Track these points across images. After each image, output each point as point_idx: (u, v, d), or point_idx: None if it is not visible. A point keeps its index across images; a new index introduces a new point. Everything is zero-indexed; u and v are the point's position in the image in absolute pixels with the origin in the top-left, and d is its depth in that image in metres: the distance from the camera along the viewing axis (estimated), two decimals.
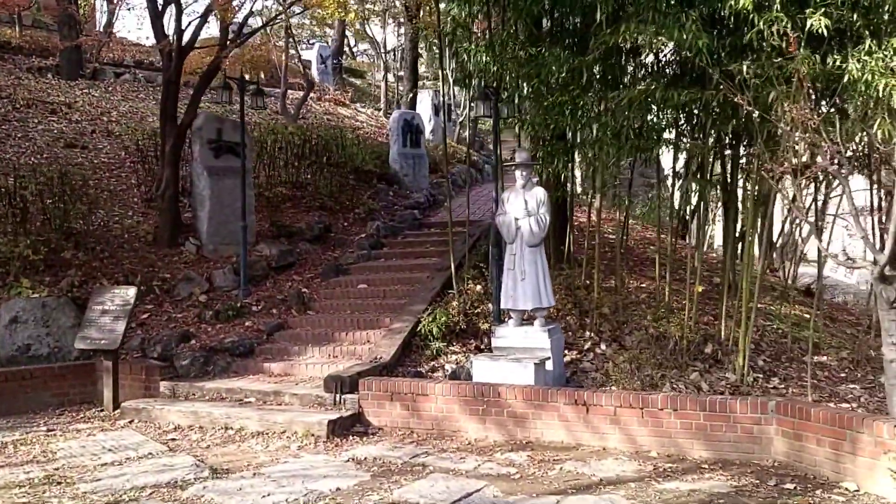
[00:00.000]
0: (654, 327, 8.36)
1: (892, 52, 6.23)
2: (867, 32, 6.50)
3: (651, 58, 8.17)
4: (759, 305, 8.63)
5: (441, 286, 9.82)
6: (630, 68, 8.14)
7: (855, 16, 6.45)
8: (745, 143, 8.08)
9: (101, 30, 22.82)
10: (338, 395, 7.40)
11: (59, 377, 8.29)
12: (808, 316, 10.48)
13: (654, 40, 6.86)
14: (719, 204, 10.48)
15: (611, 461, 5.99)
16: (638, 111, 7.36)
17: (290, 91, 19.50)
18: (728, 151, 8.50)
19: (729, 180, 8.65)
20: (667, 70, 7.73)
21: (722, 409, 5.97)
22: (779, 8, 6.44)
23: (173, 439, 6.97)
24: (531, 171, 8.02)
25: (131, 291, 8.08)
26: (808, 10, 6.44)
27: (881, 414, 6.53)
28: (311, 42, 30.88)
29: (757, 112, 6.05)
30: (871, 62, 6.21)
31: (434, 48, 22.55)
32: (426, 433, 6.96)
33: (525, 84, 8.40)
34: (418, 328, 8.76)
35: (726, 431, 5.95)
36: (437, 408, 6.99)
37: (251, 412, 7.26)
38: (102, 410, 8.02)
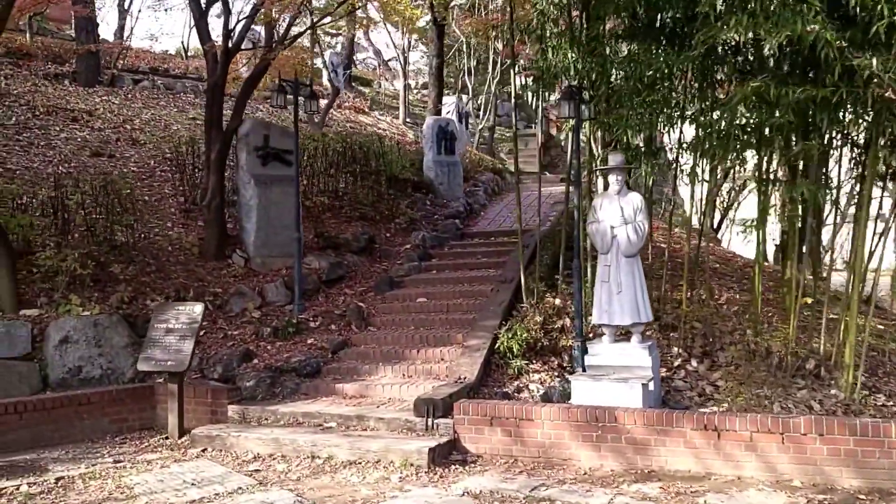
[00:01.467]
0: (756, 342, 7.86)
1: None
2: None
3: (745, 54, 7.70)
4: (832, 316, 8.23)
5: (510, 300, 9.30)
6: (730, 65, 7.62)
7: None
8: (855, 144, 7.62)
9: (115, 36, 22.28)
10: (430, 420, 6.85)
11: (117, 401, 7.70)
12: (881, 326, 10.06)
13: (773, 34, 6.37)
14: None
15: (754, 493, 5.47)
16: (751, 110, 6.88)
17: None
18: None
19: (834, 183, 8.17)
20: (772, 66, 7.25)
21: (875, 433, 5.47)
22: None
23: (257, 470, 6.40)
24: (626, 175, 7.54)
25: (198, 308, 7.51)
26: None
27: None
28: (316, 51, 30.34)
29: None
30: None
31: (461, 53, 22.13)
32: (532, 462, 6.43)
33: (609, 83, 7.92)
34: (496, 345, 8.24)
35: (880, 458, 5.45)
36: (545, 434, 6.45)
37: (338, 439, 6.69)
38: (167, 437, 7.42)
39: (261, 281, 10.19)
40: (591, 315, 8.32)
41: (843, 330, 7.63)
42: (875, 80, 6.25)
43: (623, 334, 7.65)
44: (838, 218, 8.63)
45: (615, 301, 7.31)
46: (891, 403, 7.57)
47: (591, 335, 8.34)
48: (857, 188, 7.76)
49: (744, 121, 7.26)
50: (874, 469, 5.47)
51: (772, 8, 6.44)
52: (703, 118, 7.45)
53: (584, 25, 8.12)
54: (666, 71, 7.36)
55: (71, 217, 9.45)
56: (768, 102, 6.75)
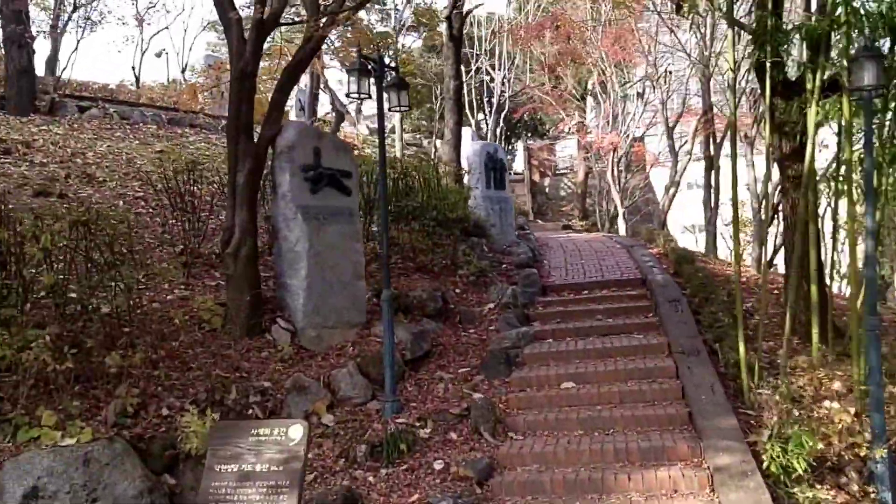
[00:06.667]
0: None
1: None
2: None
3: None
4: None
5: (719, 381, 6.16)
6: None
7: None
8: None
9: (46, 66, 18.58)
10: None
11: None
12: None
13: None
14: None
15: None
16: None
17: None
18: None
19: None
20: None
21: None
22: None
23: None
24: None
25: (296, 431, 4.05)
26: None
27: None
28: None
29: None
30: None
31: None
32: None
33: None
34: (763, 464, 5.05)
35: None
36: None
37: None
38: None
39: (321, 365, 6.72)
40: None
41: None
42: None
43: None
44: None
45: None
46: None
47: None
48: None
49: None
50: None
51: None
52: None
53: None
54: None
55: (24, 274, 5.81)
56: None
